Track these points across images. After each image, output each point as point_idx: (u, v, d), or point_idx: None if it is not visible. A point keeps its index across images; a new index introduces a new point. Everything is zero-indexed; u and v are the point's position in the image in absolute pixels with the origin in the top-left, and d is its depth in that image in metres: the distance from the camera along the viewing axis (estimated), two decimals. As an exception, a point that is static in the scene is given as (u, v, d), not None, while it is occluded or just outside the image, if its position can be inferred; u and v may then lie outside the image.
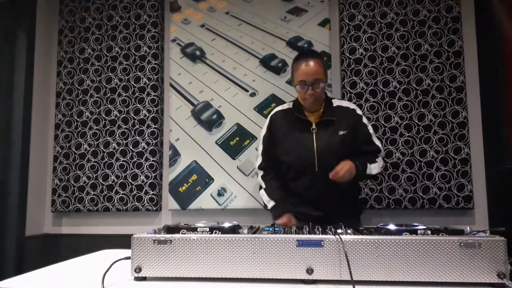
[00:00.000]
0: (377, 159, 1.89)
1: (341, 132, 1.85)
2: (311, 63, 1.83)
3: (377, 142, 1.92)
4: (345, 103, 1.96)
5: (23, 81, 2.85)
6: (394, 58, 2.72)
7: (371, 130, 1.93)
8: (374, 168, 1.85)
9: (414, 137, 2.65)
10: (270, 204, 1.91)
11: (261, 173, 2.02)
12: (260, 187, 2.01)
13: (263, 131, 2.04)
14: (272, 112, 2.04)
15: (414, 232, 1.14)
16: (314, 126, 1.87)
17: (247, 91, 2.86)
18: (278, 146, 1.96)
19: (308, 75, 1.82)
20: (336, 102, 1.95)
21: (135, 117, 2.95)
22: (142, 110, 2.95)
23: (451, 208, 2.57)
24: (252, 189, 2.72)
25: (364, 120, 1.93)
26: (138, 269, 1.16)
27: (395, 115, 2.68)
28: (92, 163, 2.95)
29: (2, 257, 2.72)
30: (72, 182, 2.95)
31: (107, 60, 3.02)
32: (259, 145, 2.06)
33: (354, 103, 2.54)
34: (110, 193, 2.90)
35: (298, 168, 1.89)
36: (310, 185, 1.87)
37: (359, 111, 1.94)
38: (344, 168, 1.73)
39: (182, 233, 1.19)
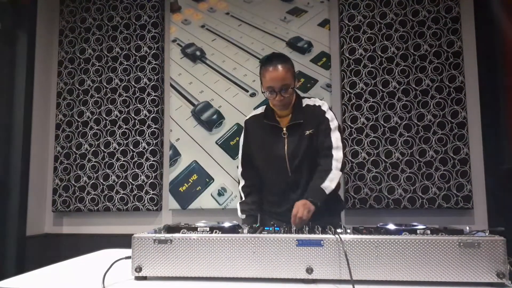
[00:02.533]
0: (331, 166, 1.74)
1: (307, 132, 1.82)
2: (278, 68, 1.77)
3: (333, 138, 1.79)
4: (313, 101, 1.90)
5: (24, 82, 2.85)
6: (394, 59, 2.72)
7: (332, 125, 1.82)
8: (330, 184, 1.71)
9: (414, 137, 2.65)
10: (242, 216, 1.91)
11: (242, 182, 1.98)
12: (240, 197, 1.99)
13: (241, 138, 2.00)
14: (246, 118, 2.02)
15: (413, 231, 1.14)
16: (285, 131, 1.85)
17: (247, 91, 2.87)
18: (253, 153, 1.94)
19: (275, 81, 1.76)
20: (305, 101, 1.90)
21: (135, 117, 2.95)
22: (143, 110, 2.95)
23: (451, 208, 2.58)
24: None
25: (328, 115, 1.84)
26: (139, 269, 1.16)
27: (394, 115, 2.69)
28: (92, 163, 2.95)
29: (3, 256, 2.72)
30: (73, 182, 2.96)
31: (108, 61, 3.03)
32: (239, 152, 2.01)
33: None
34: (110, 193, 2.91)
35: (272, 174, 1.89)
36: (286, 189, 1.85)
37: (324, 107, 1.86)
38: (299, 213, 1.57)
39: (182, 233, 1.19)
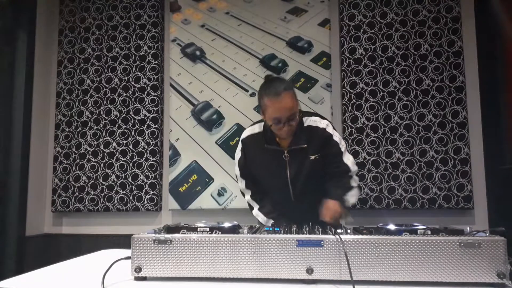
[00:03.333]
0: (352, 184, 1.78)
1: (312, 157, 1.74)
2: (285, 98, 1.61)
3: (347, 161, 1.78)
4: (315, 122, 1.78)
5: (24, 81, 2.85)
6: (394, 58, 2.72)
7: (342, 148, 1.77)
8: (351, 197, 1.77)
9: (414, 137, 2.65)
10: (269, 223, 1.82)
11: (249, 193, 1.90)
12: (252, 207, 1.91)
13: (238, 154, 1.89)
14: (243, 136, 1.88)
15: (414, 232, 1.14)
16: (286, 154, 1.75)
17: (247, 91, 2.86)
18: (253, 171, 1.88)
19: (283, 112, 1.62)
20: (306, 121, 1.78)
21: (135, 117, 2.95)
22: (142, 110, 2.95)
23: (451, 208, 2.57)
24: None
25: (335, 138, 1.77)
26: (138, 269, 1.16)
27: (395, 115, 2.68)
28: (92, 163, 2.95)
29: (3, 257, 2.72)
30: (72, 182, 2.95)
31: (107, 60, 3.02)
32: (235, 167, 1.91)
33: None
34: (110, 193, 2.91)
35: (274, 197, 1.86)
36: (287, 213, 1.80)
37: (329, 129, 1.77)
38: (332, 212, 1.67)
39: (182, 233, 1.19)
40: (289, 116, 1.63)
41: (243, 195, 1.95)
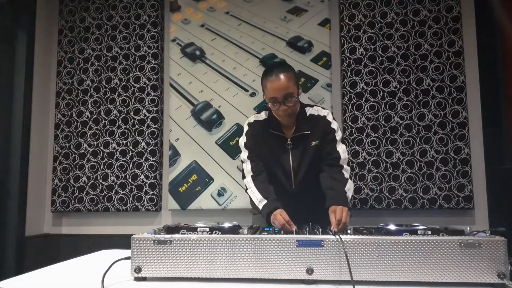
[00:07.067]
0: (345, 176, 1.73)
1: (313, 143, 1.80)
2: (281, 77, 1.71)
3: (340, 150, 1.79)
4: (316, 111, 1.86)
5: (23, 81, 2.85)
6: (394, 58, 2.71)
7: (338, 137, 1.82)
8: (348, 193, 1.69)
9: (414, 137, 2.64)
10: (262, 203, 1.66)
11: (249, 164, 1.82)
12: (247, 188, 1.80)
13: (243, 139, 1.88)
14: (249, 121, 1.91)
15: (414, 232, 1.14)
16: (289, 142, 1.81)
17: (247, 91, 2.86)
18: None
19: (278, 91, 1.70)
20: (309, 111, 1.86)
21: (135, 117, 2.95)
22: (142, 110, 2.94)
23: (451, 208, 2.57)
24: (252, 189, 2.72)
25: (334, 125, 1.83)
26: (138, 269, 1.15)
27: (395, 115, 2.68)
28: (92, 163, 2.94)
29: (2, 257, 2.72)
30: (72, 182, 2.95)
31: (107, 60, 3.02)
32: (242, 152, 1.86)
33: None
34: (110, 193, 2.90)
35: (275, 186, 1.81)
36: (286, 201, 1.74)
37: (329, 117, 1.84)
38: (344, 219, 1.44)
39: (182, 233, 1.19)
40: (285, 95, 1.71)
41: (242, 162, 1.87)
